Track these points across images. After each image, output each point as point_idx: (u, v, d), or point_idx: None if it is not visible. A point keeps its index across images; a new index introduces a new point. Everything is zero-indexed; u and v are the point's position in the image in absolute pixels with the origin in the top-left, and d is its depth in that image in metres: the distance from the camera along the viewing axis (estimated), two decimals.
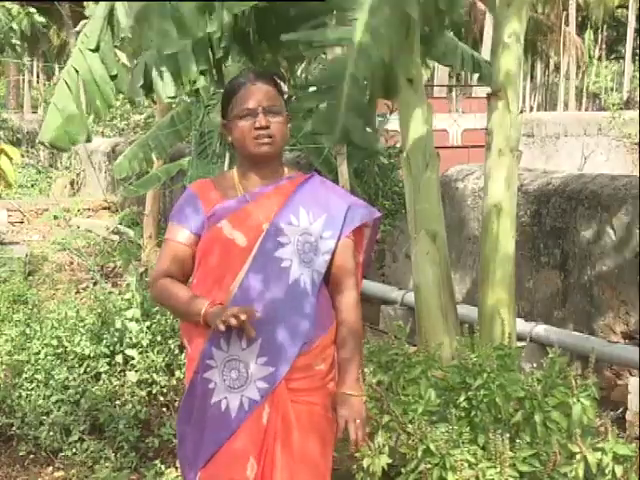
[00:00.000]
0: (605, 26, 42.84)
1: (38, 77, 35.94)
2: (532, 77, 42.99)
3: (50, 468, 3.98)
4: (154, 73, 3.39)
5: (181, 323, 2.38)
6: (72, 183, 15.35)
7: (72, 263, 9.23)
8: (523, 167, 5.33)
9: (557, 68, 41.20)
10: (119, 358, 4.53)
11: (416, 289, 3.89)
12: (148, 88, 3.42)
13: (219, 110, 2.46)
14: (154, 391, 4.44)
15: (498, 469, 2.50)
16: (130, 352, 4.52)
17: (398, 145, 6.67)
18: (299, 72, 6.56)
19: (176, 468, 3.63)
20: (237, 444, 2.20)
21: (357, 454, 2.65)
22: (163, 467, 3.76)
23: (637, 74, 38.43)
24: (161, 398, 4.47)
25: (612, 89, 39.27)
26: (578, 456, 2.48)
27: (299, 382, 2.24)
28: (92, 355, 4.50)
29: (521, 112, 3.62)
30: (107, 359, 4.52)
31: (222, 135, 5.65)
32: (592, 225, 5.25)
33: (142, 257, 8.51)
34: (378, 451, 2.68)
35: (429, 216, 3.80)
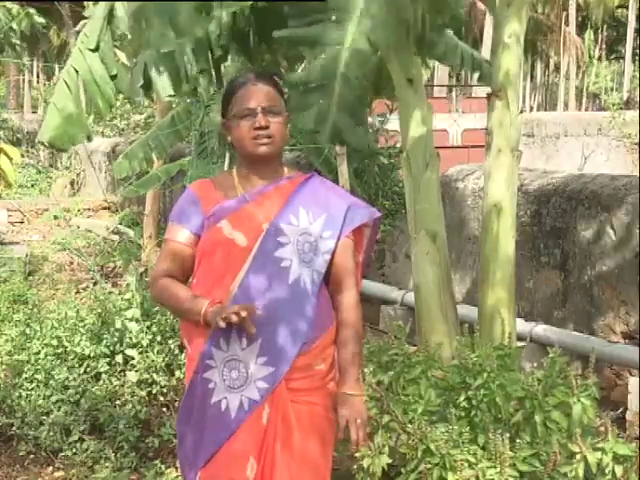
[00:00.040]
0: (605, 26, 42.85)
1: (38, 77, 35.95)
2: (532, 77, 43.00)
3: (50, 468, 3.98)
4: (153, 72, 3.39)
5: (181, 323, 2.38)
6: (72, 183, 15.35)
7: (72, 263, 9.23)
8: (523, 167, 5.32)
9: (557, 68, 41.21)
10: (119, 358, 4.53)
11: (416, 289, 3.89)
12: (147, 87, 3.42)
13: (219, 110, 2.46)
14: (154, 391, 4.44)
15: (498, 469, 2.50)
16: (130, 352, 4.52)
17: (398, 145, 6.67)
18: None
19: (176, 468, 3.63)
20: (237, 444, 2.20)
21: (357, 454, 2.65)
22: (163, 467, 3.76)
23: (637, 74, 38.44)
24: (161, 398, 4.47)
25: (612, 89, 39.26)
26: (578, 456, 2.48)
27: (299, 382, 2.24)
28: (92, 355, 4.50)
29: (521, 112, 3.62)
30: (107, 359, 4.52)
31: (221, 135, 5.65)
32: (592, 225, 5.25)
33: (142, 257, 8.51)
34: (378, 451, 2.68)
35: (429, 216, 3.80)
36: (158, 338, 4.58)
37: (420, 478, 2.60)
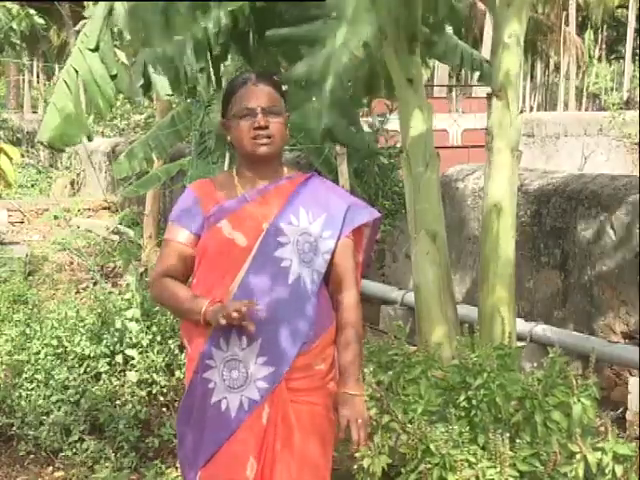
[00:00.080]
0: (605, 26, 42.85)
1: (38, 77, 35.96)
2: (532, 77, 43.00)
3: (50, 468, 3.98)
4: (153, 72, 3.39)
5: (181, 323, 2.38)
6: (72, 183, 15.34)
7: (72, 263, 9.23)
8: (523, 167, 5.32)
9: (557, 68, 41.21)
10: (119, 358, 4.53)
11: (416, 289, 3.89)
12: (147, 87, 3.42)
13: (219, 110, 2.46)
14: (154, 391, 4.44)
15: (498, 469, 2.51)
16: (130, 352, 4.52)
17: (398, 145, 6.67)
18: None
19: (176, 468, 3.63)
20: (237, 444, 2.20)
21: (357, 454, 2.66)
22: (163, 467, 3.76)
23: (637, 74, 38.43)
24: (161, 398, 4.47)
25: (612, 89, 39.26)
26: (578, 456, 2.48)
27: (299, 382, 2.24)
28: (92, 355, 4.50)
29: (521, 112, 3.62)
30: (107, 359, 4.52)
31: (219, 135, 5.65)
32: (592, 225, 5.25)
33: (142, 257, 8.51)
34: (378, 451, 2.68)
35: (429, 216, 3.80)
36: (158, 338, 4.58)
37: (420, 478, 2.60)
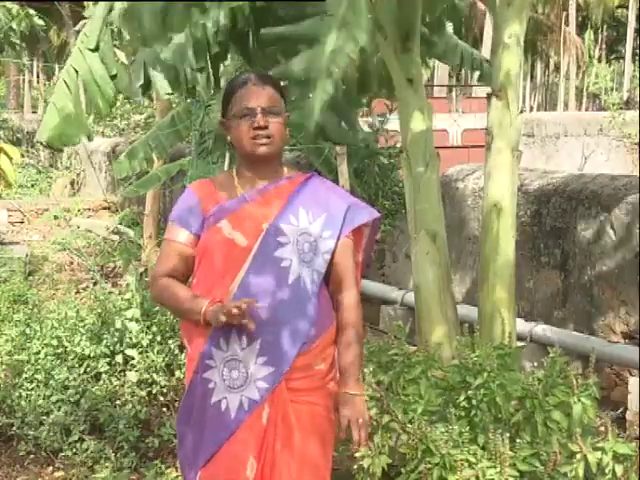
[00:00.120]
0: (605, 26, 42.85)
1: (38, 77, 35.96)
2: (532, 77, 43.00)
3: (50, 468, 3.98)
4: (152, 71, 3.39)
5: (181, 323, 2.38)
6: (72, 183, 15.34)
7: (72, 263, 9.22)
8: (523, 167, 5.32)
9: (557, 68, 41.21)
10: (119, 358, 4.53)
11: (416, 289, 3.89)
12: (146, 86, 3.42)
13: (219, 110, 2.46)
14: (154, 391, 4.44)
15: (498, 469, 2.51)
16: (130, 352, 4.52)
17: (398, 145, 6.67)
18: None
19: (176, 468, 3.63)
20: (237, 444, 2.20)
21: (357, 454, 2.66)
22: (163, 467, 3.76)
23: (637, 74, 38.43)
24: (161, 398, 4.47)
25: (612, 89, 39.25)
26: (578, 455, 2.48)
27: (299, 382, 2.24)
28: (92, 355, 4.50)
29: (521, 112, 3.62)
30: (107, 359, 4.52)
31: (217, 135, 5.65)
32: (592, 225, 5.25)
33: (142, 257, 8.51)
34: (378, 451, 2.68)
35: (429, 216, 3.81)
36: (158, 338, 4.58)
37: (420, 478, 2.60)
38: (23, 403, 4.24)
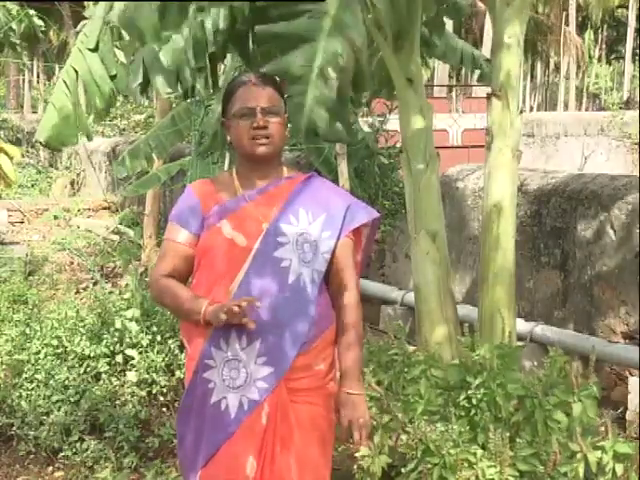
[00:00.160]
0: (605, 26, 42.85)
1: (38, 77, 35.96)
2: (532, 77, 43.01)
3: (50, 468, 3.98)
4: (152, 70, 3.39)
5: (181, 323, 2.38)
6: (72, 183, 15.33)
7: (72, 263, 9.22)
8: (523, 167, 5.32)
9: (557, 68, 41.21)
10: (119, 358, 4.53)
11: (416, 289, 3.89)
12: (145, 85, 3.41)
13: (218, 110, 2.46)
14: (154, 391, 4.45)
15: (498, 468, 2.51)
16: (130, 352, 4.52)
17: (398, 145, 6.67)
18: None
19: (176, 468, 3.63)
20: (237, 444, 2.20)
21: (357, 454, 2.66)
22: (163, 467, 3.76)
23: (637, 74, 38.43)
24: (161, 398, 4.47)
25: (612, 89, 39.25)
26: (578, 455, 2.48)
27: (299, 382, 2.24)
28: (92, 355, 4.50)
29: (521, 112, 3.63)
30: (107, 359, 4.52)
31: (215, 134, 5.65)
32: (592, 225, 5.25)
33: (142, 257, 8.51)
34: (378, 451, 2.68)
35: (429, 216, 3.80)
36: (158, 338, 4.58)
37: (420, 478, 2.60)
38: (23, 403, 4.24)
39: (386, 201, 6.96)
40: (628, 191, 5.11)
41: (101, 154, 14.20)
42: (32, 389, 4.34)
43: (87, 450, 3.94)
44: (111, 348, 4.55)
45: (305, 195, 2.32)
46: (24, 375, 4.42)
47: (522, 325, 5.05)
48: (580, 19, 39.24)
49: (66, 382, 4.35)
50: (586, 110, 36.47)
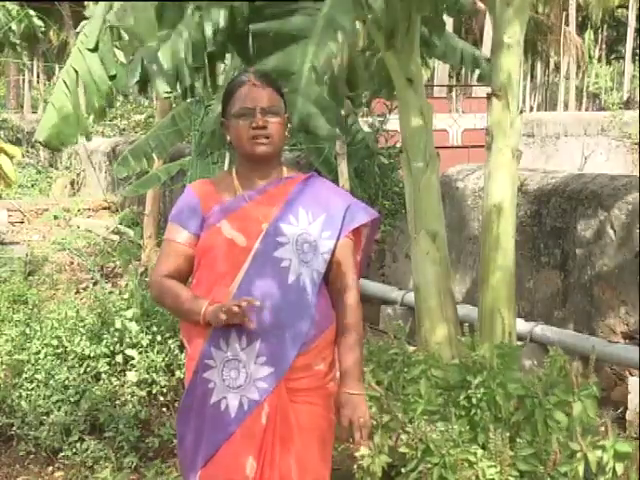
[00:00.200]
0: (605, 26, 42.84)
1: (38, 77, 35.96)
2: (532, 77, 43.00)
3: (50, 468, 3.98)
4: (151, 69, 3.39)
5: (181, 323, 2.38)
6: (72, 183, 15.33)
7: (72, 263, 9.22)
8: (523, 167, 5.33)
9: (557, 68, 41.20)
10: (119, 358, 4.53)
11: (416, 289, 3.89)
12: (144, 83, 3.41)
13: (217, 110, 2.46)
14: (154, 391, 4.45)
15: (498, 468, 2.51)
16: (130, 352, 4.52)
17: (398, 145, 6.67)
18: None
19: (176, 468, 3.63)
20: (237, 444, 2.20)
21: (357, 454, 2.66)
22: (163, 467, 3.76)
23: (637, 74, 38.42)
24: (161, 398, 4.47)
25: (612, 89, 39.24)
26: (579, 454, 2.48)
27: (298, 382, 2.24)
28: (92, 355, 4.50)
29: (521, 112, 3.63)
30: (107, 359, 4.52)
31: (213, 132, 5.64)
32: (592, 225, 5.25)
33: (142, 257, 8.51)
34: (378, 451, 2.68)
35: (429, 216, 3.81)
36: (158, 338, 4.58)
37: (420, 478, 2.60)
38: (23, 403, 4.24)
39: (386, 201, 6.96)
40: (628, 191, 5.11)
41: (101, 154, 14.20)
42: (32, 389, 4.34)
43: (87, 450, 3.94)
44: (111, 348, 4.55)
45: (305, 195, 2.32)
46: (24, 375, 4.43)
47: (522, 325, 5.05)
48: (580, 19, 39.23)
49: (66, 382, 4.35)
50: (586, 110, 36.47)
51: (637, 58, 38.28)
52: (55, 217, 11.90)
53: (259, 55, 3.02)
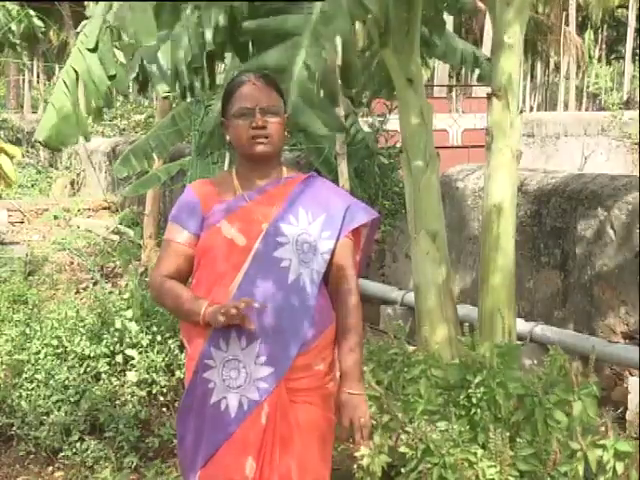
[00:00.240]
0: (605, 26, 42.85)
1: (38, 77, 35.97)
2: (532, 77, 43.01)
3: (50, 468, 3.98)
4: (150, 68, 3.39)
5: (181, 323, 2.38)
6: (72, 183, 15.33)
7: (72, 263, 9.22)
8: (523, 167, 5.32)
9: (557, 68, 41.21)
10: (119, 358, 4.53)
11: (416, 289, 3.89)
12: (143, 83, 3.41)
13: (217, 110, 2.47)
14: (154, 391, 4.45)
15: (498, 468, 2.51)
16: (130, 352, 4.52)
17: (398, 145, 6.67)
18: None
19: (176, 468, 3.63)
20: (236, 444, 2.20)
21: (357, 454, 2.66)
22: (163, 467, 3.76)
23: (637, 74, 38.42)
24: (161, 398, 4.47)
25: (612, 89, 39.24)
26: (579, 454, 2.48)
27: (298, 382, 2.24)
28: (92, 355, 4.50)
29: (521, 112, 3.63)
30: (107, 359, 4.52)
31: (212, 132, 5.64)
32: (592, 225, 5.25)
33: (142, 257, 8.51)
34: (378, 451, 2.68)
35: (429, 216, 3.81)
36: (158, 338, 4.58)
37: (420, 478, 2.60)
38: (23, 403, 4.24)
39: (386, 201, 6.96)
40: (628, 191, 5.11)
41: (101, 154, 14.20)
42: (32, 389, 4.34)
43: (87, 450, 3.94)
44: (111, 348, 4.55)
45: (305, 195, 2.32)
46: (24, 375, 4.43)
47: (522, 325, 5.05)
48: (580, 19, 39.24)
49: (66, 382, 4.35)
50: (586, 110, 36.48)
51: (637, 58, 38.28)
52: (55, 217, 11.91)
53: (254, 53, 3.03)
